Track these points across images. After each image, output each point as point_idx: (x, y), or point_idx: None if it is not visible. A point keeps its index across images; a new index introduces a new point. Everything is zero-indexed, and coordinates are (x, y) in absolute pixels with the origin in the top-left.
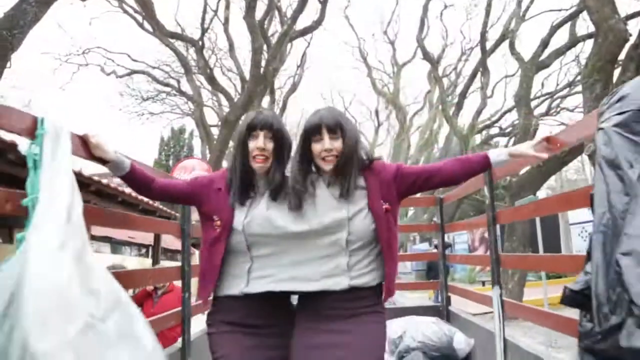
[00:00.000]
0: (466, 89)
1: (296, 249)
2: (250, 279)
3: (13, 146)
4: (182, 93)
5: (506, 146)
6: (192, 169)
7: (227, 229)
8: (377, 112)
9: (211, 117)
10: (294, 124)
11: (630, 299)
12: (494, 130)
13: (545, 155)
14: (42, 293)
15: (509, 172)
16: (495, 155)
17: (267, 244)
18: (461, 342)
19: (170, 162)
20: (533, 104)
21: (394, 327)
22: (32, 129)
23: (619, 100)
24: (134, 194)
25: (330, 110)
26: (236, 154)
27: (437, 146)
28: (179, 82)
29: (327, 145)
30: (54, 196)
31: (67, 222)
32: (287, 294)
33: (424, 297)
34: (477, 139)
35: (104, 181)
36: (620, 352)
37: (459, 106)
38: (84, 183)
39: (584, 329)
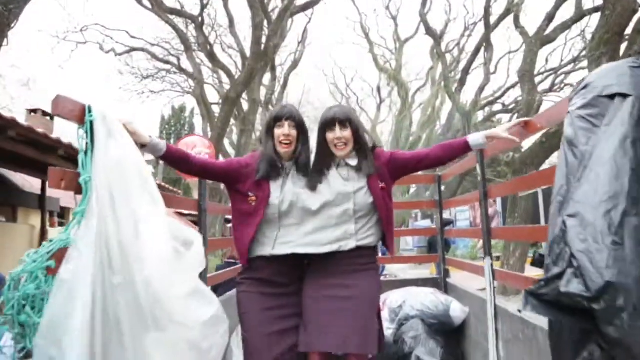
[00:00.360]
0: (469, 64)
1: (314, 219)
2: (276, 244)
3: (13, 123)
4: (182, 70)
5: (509, 122)
6: (193, 146)
7: (263, 203)
8: (379, 89)
9: (212, 95)
10: (295, 102)
11: (571, 254)
12: (497, 107)
13: (517, 140)
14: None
15: (500, 151)
16: (474, 139)
17: (292, 215)
18: (457, 310)
19: (172, 141)
20: (537, 80)
21: (395, 297)
22: (82, 116)
23: (584, 87)
24: None
25: (341, 107)
26: (265, 141)
27: (439, 123)
28: (179, 59)
29: (338, 134)
30: (111, 172)
31: (130, 198)
32: (303, 257)
33: (426, 274)
34: (480, 115)
35: None
36: (558, 296)
37: (462, 82)
38: (72, 155)
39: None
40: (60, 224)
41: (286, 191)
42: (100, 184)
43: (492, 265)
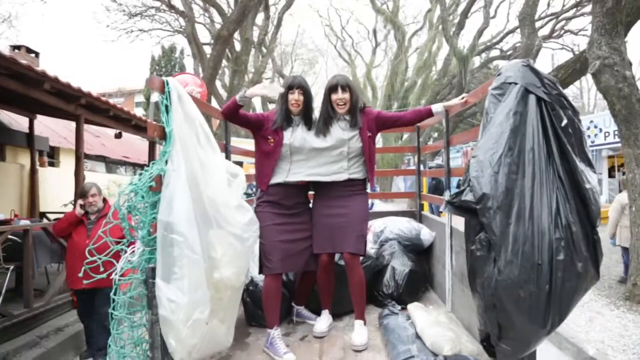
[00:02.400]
0: (468, 7)
1: (317, 157)
2: (289, 174)
3: (11, 61)
4: (172, 8)
5: None
6: (185, 85)
7: (280, 144)
8: (374, 32)
9: (203, 36)
10: (289, 43)
11: (469, 179)
12: (495, 53)
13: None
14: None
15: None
16: (435, 108)
17: (301, 153)
18: (426, 234)
19: None
20: (537, 25)
21: (377, 224)
22: (163, 87)
23: (498, 75)
24: (126, 108)
25: (343, 76)
26: (281, 102)
27: (435, 68)
28: None
29: (340, 96)
30: (183, 128)
31: (206, 142)
32: (307, 185)
33: (405, 207)
34: (476, 61)
35: (94, 94)
36: (461, 202)
37: (460, 26)
38: (73, 96)
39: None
40: (51, 164)
41: (295, 136)
42: (177, 133)
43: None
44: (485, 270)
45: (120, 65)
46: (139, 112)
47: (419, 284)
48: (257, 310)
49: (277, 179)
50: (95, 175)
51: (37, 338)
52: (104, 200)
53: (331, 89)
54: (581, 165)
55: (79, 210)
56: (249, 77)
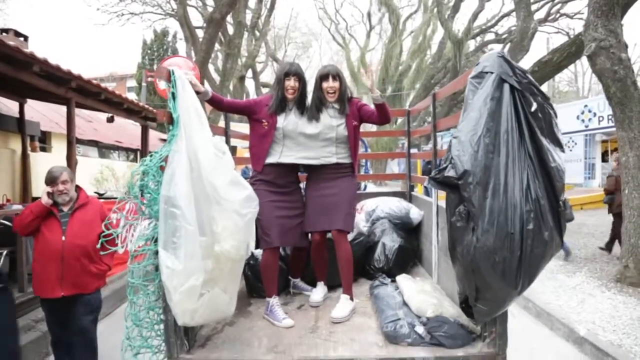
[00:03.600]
0: None
1: (308, 142)
2: (281, 155)
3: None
4: None
5: None
6: (177, 67)
7: (273, 127)
8: (369, 15)
9: (196, 19)
10: (282, 26)
11: (451, 157)
12: (490, 36)
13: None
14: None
15: (450, 92)
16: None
17: (292, 137)
18: (415, 213)
19: (155, 67)
20: (533, 8)
21: (370, 203)
22: (169, 76)
23: (477, 65)
24: (117, 92)
25: (333, 66)
26: (277, 87)
27: (430, 52)
28: None
29: (330, 84)
30: (187, 114)
31: (202, 126)
32: (298, 167)
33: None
34: (471, 45)
35: (85, 77)
36: (444, 178)
37: (455, 9)
38: (64, 79)
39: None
40: (42, 149)
41: (288, 120)
42: (182, 118)
43: None
44: (465, 239)
45: (112, 49)
46: (131, 97)
47: (408, 258)
48: (257, 282)
49: (270, 159)
50: (88, 160)
51: (32, 322)
52: (78, 189)
53: (322, 77)
54: (549, 146)
55: (46, 200)
56: (242, 61)
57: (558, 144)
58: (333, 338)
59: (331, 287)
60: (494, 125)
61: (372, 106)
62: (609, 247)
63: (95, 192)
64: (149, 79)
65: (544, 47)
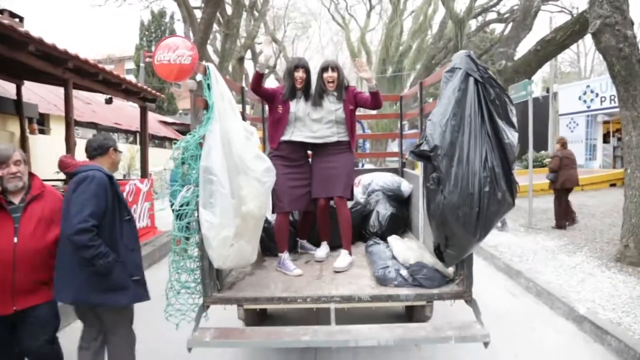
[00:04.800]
0: None
1: (314, 124)
2: (292, 135)
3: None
4: None
5: (502, 32)
6: (175, 48)
7: (287, 112)
8: None
9: None
10: (281, 7)
11: (425, 135)
12: (492, 16)
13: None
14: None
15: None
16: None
17: (301, 120)
18: (405, 186)
19: (153, 48)
20: None
21: (366, 178)
22: (205, 70)
23: (450, 62)
24: (116, 70)
25: (333, 59)
26: (288, 79)
27: (431, 32)
28: None
29: (330, 74)
30: (220, 100)
31: (233, 112)
32: (307, 145)
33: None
34: (473, 25)
35: (82, 57)
36: (420, 152)
37: None
38: (60, 59)
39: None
40: (41, 131)
41: (298, 107)
42: (216, 105)
43: None
44: (436, 198)
45: (109, 31)
46: (129, 79)
47: (399, 225)
48: (270, 243)
49: (284, 137)
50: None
51: None
52: (31, 176)
53: (323, 69)
54: (504, 127)
55: None
56: (240, 41)
57: (512, 125)
58: (335, 282)
59: (332, 248)
60: (460, 110)
61: (367, 93)
62: (561, 224)
63: None
64: (147, 59)
65: (547, 27)
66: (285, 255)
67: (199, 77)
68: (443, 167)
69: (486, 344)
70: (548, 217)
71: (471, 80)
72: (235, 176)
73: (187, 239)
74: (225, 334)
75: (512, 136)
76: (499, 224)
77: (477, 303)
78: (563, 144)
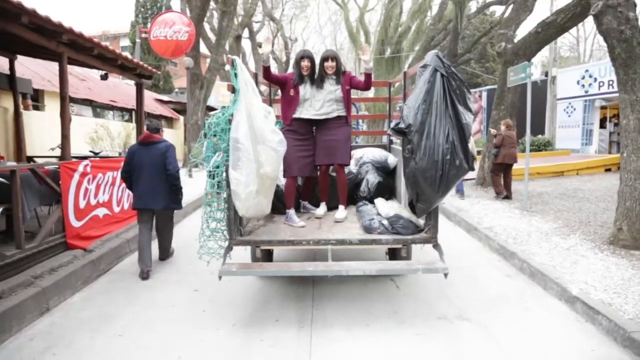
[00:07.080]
0: None
1: (317, 103)
2: (302, 113)
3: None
4: None
5: (503, 14)
6: (172, 24)
7: (297, 94)
8: None
9: None
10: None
11: (402, 116)
12: None
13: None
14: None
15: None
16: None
17: (308, 100)
18: (391, 159)
19: (149, 25)
20: None
21: (358, 152)
22: (232, 62)
23: (423, 60)
24: (111, 47)
25: (332, 50)
26: (296, 67)
27: (430, 13)
28: None
29: (330, 64)
30: (244, 86)
31: (255, 95)
32: (313, 121)
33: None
34: (473, 6)
35: (77, 31)
36: (398, 129)
37: None
38: (54, 32)
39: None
40: (35, 107)
41: (306, 90)
42: (241, 89)
43: None
44: (410, 164)
45: (104, 7)
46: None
47: (384, 191)
48: (279, 203)
49: (295, 115)
50: (82, 120)
51: (31, 278)
52: None
53: (324, 59)
54: (463, 110)
55: None
56: (238, 19)
57: (469, 109)
58: (332, 231)
59: (330, 209)
60: (429, 97)
61: (360, 76)
62: (498, 191)
63: (91, 151)
64: (143, 35)
65: (548, 9)
66: (291, 211)
67: (226, 67)
68: (415, 140)
69: (446, 275)
70: (543, 200)
71: (438, 74)
72: (256, 145)
73: (218, 194)
74: (247, 267)
75: (468, 117)
76: (459, 195)
77: (441, 247)
78: (508, 125)
